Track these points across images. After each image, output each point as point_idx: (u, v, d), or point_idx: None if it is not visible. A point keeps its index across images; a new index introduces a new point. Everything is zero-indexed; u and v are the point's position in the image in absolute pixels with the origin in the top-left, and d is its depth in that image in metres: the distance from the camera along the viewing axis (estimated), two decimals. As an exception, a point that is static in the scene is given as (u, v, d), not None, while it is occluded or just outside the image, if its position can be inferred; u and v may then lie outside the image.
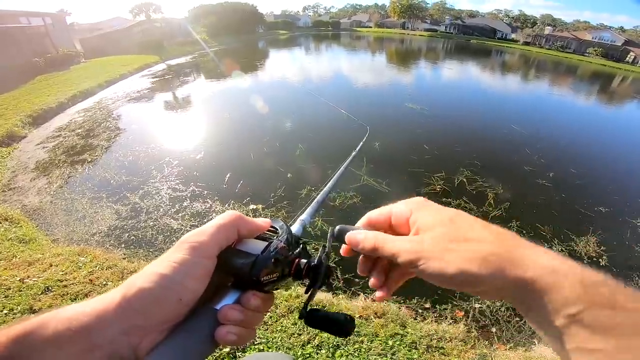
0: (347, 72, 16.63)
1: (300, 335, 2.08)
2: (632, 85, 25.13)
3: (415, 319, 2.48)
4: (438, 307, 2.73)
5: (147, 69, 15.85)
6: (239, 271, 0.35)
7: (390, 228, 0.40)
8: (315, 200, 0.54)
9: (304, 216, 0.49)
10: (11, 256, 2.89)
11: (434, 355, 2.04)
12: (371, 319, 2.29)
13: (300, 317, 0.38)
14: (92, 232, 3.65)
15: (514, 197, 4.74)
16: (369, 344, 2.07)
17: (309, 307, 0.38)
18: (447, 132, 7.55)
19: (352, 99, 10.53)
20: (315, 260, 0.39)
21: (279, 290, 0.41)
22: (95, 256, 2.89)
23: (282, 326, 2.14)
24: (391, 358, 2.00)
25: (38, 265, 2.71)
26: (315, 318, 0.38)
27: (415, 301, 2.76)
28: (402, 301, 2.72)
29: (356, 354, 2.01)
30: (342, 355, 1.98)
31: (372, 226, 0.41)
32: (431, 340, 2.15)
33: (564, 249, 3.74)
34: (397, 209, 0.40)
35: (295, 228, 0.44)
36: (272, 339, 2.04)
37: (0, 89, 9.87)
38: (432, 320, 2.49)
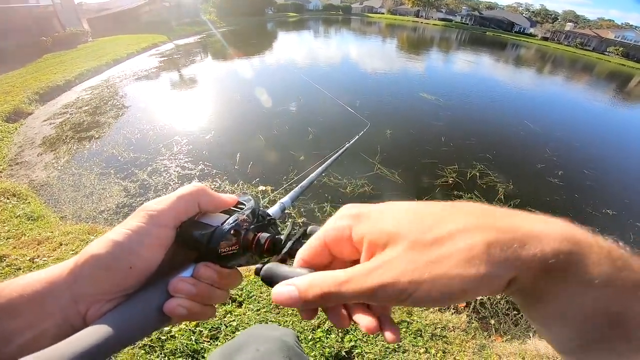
0: (360, 58, 16.26)
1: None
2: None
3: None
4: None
5: (154, 48, 15.61)
6: (197, 243, 0.34)
7: (333, 258, 0.31)
8: (300, 185, 0.54)
9: (284, 199, 0.48)
10: (20, 234, 2.87)
11: (437, 344, 2.09)
12: (379, 306, 2.30)
13: (256, 273, 0.35)
14: (100, 209, 3.63)
15: (524, 193, 4.67)
16: None
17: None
18: (460, 124, 7.40)
19: (365, 85, 10.34)
20: (283, 237, 0.37)
21: (243, 267, 0.38)
22: (104, 235, 2.86)
23: (292, 310, 2.14)
24: (397, 344, 2.04)
25: (48, 244, 2.70)
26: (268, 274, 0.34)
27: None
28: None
29: (364, 339, 2.03)
30: (350, 340, 2.01)
31: (311, 261, 0.31)
32: (435, 328, 2.20)
33: None
34: (330, 232, 0.30)
35: (272, 210, 0.44)
36: (284, 322, 2.06)
37: (7, 67, 9.79)
38: (435, 310, 2.53)
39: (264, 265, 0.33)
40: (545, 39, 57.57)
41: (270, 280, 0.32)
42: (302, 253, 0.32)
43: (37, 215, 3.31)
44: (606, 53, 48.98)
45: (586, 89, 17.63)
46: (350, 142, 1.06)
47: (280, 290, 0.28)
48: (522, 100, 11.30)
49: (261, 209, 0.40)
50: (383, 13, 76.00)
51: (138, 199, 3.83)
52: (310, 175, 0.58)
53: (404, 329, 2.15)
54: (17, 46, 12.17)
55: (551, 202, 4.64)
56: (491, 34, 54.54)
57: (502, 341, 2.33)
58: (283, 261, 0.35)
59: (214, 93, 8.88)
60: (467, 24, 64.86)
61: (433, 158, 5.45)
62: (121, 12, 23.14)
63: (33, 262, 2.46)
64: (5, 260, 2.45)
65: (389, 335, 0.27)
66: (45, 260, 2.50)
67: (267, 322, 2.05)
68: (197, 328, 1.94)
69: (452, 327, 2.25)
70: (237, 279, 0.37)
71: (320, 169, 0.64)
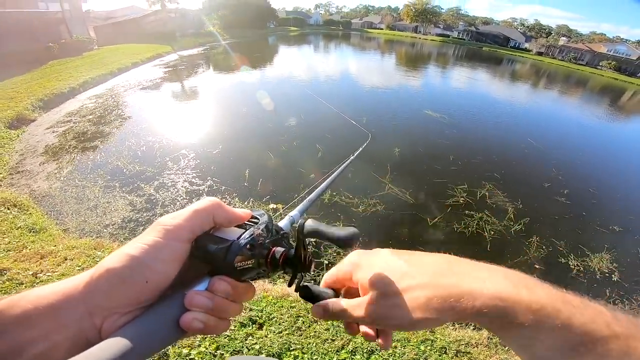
0: (363, 74, 16.42)
1: (334, 340, 2.08)
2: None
3: (440, 324, 2.49)
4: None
5: (158, 58, 15.80)
6: (213, 257, 0.34)
7: (345, 284, 0.44)
8: (307, 199, 0.55)
9: (293, 213, 0.49)
10: (21, 247, 2.77)
11: None
12: (401, 324, 2.29)
13: (295, 290, 0.42)
14: (105, 223, 3.54)
15: (533, 212, 4.68)
16: (402, 349, 2.12)
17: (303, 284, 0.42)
18: (466, 142, 7.43)
19: (370, 102, 10.40)
20: (294, 251, 0.39)
21: (257, 281, 0.41)
22: (112, 251, 2.75)
23: (315, 332, 2.13)
24: None
25: (51, 259, 2.60)
26: (308, 293, 0.42)
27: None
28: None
29: (391, 359, 2.03)
30: None
31: (331, 285, 0.45)
32: (459, 345, 2.24)
33: (579, 264, 3.80)
34: (340, 272, 0.43)
35: (282, 223, 0.45)
36: (307, 344, 2.04)
37: (13, 73, 9.83)
38: (456, 327, 2.55)
39: (300, 284, 0.42)
40: (539, 53, 58.67)
41: (310, 297, 0.42)
42: (325, 278, 0.45)
43: (39, 228, 3.22)
44: (599, 67, 49.98)
45: (582, 104, 18.00)
46: (355, 154, 1.09)
47: (316, 309, 0.42)
48: (523, 117, 11.41)
49: (274, 223, 0.41)
50: (382, 28, 77.61)
51: (144, 214, 3.74)
52: (317, 189, 0.59)
53: (428, 347, 2.18)
54: (24, 51, 12.30)
55: (560, 221, 4.64)
56: (487, 49, 55.62)
57: (519, 355, 2.32)
58: (302, 271, 0.40)
59: (220, 106, 8.86)
60: (464, 39, 66.20)
61: (443, 177, 5.43)
62: (127, 21, 23.53)
63: (36, 277, 2.36)
64: (5, 274, 2.33)
65: (380, 342, 0.43)
66: (49, 275, 2.39)
67: (289, 345, 2.00)
68: (218, 352, 1.88)
69: (475, 343, 2.29)
70: (250, 292, 0.39)
71: (326, 182, 0.64)
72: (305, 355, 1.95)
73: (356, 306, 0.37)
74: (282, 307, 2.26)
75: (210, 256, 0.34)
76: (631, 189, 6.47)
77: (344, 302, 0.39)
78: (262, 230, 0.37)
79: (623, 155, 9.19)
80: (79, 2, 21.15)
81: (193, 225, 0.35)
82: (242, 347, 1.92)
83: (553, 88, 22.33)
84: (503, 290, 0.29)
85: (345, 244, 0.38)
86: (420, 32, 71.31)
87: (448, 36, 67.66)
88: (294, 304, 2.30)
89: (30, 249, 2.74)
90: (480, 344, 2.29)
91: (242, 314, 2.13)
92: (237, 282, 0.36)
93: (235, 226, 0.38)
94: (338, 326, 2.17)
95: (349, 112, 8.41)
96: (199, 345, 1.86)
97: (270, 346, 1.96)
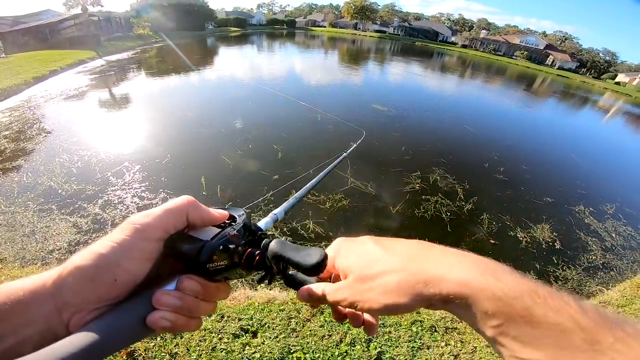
0: (309, 72, 16.45)
1: (331, 336, 2.10)
2: (550, 86, 29.71)
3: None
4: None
5: (81, 64, 14.11)
6: (186, 257, 0.34)
7: (330, 273, 0.43)
8: (294, 196, 0.54)
9: (277, 210, 0.49)
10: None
11: (453, 335, 2.28)
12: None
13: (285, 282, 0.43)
14: (49, 248, 3.12)
15: (479, 191, 5.15)
16: (396, 332, 2.21)
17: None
18: (414, 133, 7.88)
19: (320, 98, 10.52)
20: (269, 252, 0.39)
21: (233, 281, 0.40)
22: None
23: (310, 330, 2.13)
24: (420, 342, 2.16)
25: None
26: (294, 281, 0.42)
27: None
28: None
29: (389, 344, 2.11)
30: (376, 347, 2.05)
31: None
32: (445, 322, 2.37)
33: (525, 235, 4.18)
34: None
35: (264, 221, 0.45)
36: (306, 344, 2.02)
37: None
38: None
39: (286, 274, 0.41)
40: (464, 46, 64.54)
41: (295, 284, 0.41)
42: None
43: (-31, 261, 2.72)
44: (514, 57, 56.82)
45: (503, 90, 20.48)
46: (347, 152, 1.08)
47: (301, 294, 0.40)
48: (456, 106, 12.42)
49: (253, 222, 0.41)
50: (325, 26, 78.79)
51: (94, 235, 3.37)
52: (305, 186, 0.58)
53: (419, 328, 2.29)
54: None
55: (503, 197, 5.20)
56: (420, 43, 59.67)
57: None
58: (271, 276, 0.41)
59: (162, 113, 8.13)
60: (399, 34, 70.15)
61: (398, 167, 5.70)
62: (41, 25, 20.57)
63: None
64: None
65: (366, 328, 0.42)
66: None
67: (289, 348, 1.97)
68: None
69: (459, 319, 2.40)
70: (224, 291, 0.39)
71: (314, 180, 0.64)
72: (307, 355, 1.95)
73: (337, 289, 0.37)
74: (271, 311, 2.22)
75: (182, 256, 0.34)
76: (554, 162, 7.46)
77: (325, 286, 0.39)
78: (238, 230, 0.37)
79: (542, 133, 10.56)
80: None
81: (164, 225, 0.35)
82: (242, 358, 1.86)
83: (478, 77, 24.89)
84: (470, 277, 0.29)
85: (312, 272, 0.37)
86: (360, 28, 73.90)
87: (385, 32, 71.18)
88: (282, 307, 2.27)
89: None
90: (464, 320, 2.49)
91: (232, 324, 2.05)
92: (209, 281, 0.36)
93: (214, 226, 0.38)
94: (331, 321, 2.19)
95: (297, 108, 8.36)
96: (164, 333, 1.75)
97: (271, 352, 1.92)
